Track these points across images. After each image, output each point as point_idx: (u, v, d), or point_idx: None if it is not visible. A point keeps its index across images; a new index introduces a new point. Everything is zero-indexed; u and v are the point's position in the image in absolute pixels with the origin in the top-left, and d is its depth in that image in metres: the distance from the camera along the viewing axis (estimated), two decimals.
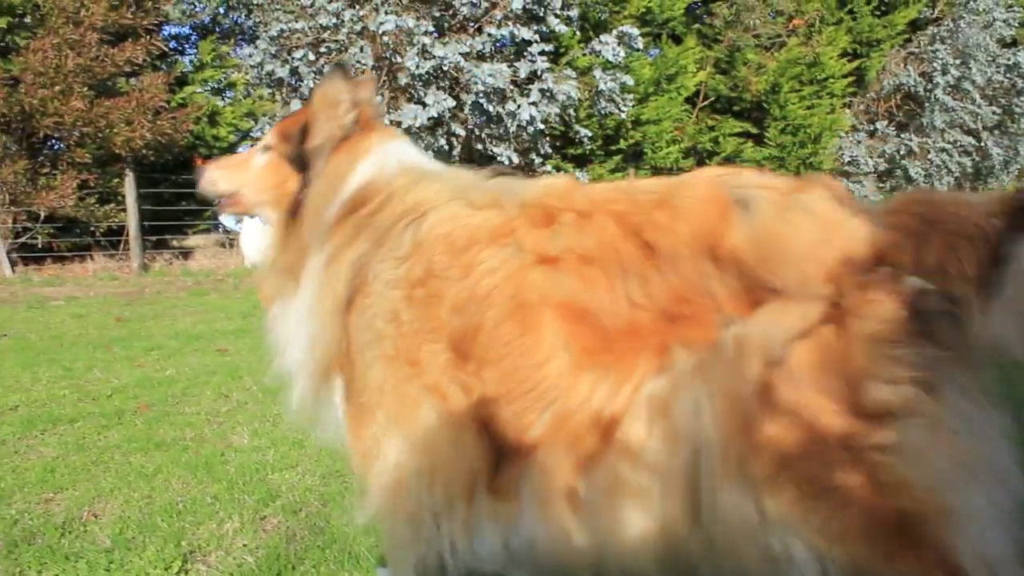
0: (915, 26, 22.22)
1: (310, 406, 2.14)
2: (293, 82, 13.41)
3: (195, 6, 14.52)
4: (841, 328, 1.54)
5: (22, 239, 11.80)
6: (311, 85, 13.11)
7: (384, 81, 13.50)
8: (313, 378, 2.07)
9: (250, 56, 13.68)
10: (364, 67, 12.93)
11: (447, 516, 1.87)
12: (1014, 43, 23.14)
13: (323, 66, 13.06)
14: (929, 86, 21.20)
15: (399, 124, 12.88)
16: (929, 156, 21.55)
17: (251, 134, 14.45)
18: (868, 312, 1.52)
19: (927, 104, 21.46)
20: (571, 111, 14.55)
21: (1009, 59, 22.47)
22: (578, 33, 15.63)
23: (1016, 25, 22.69)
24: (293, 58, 12.97)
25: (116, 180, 12.22)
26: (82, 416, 3.90)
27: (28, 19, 11.25)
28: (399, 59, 12.95)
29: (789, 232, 1.63)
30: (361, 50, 12.72)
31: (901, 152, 21.15)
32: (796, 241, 1.62)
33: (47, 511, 2.71)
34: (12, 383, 4.68)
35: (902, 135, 21.34)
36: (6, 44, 11.31)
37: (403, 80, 13.04)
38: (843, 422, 1.49)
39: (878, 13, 20.70)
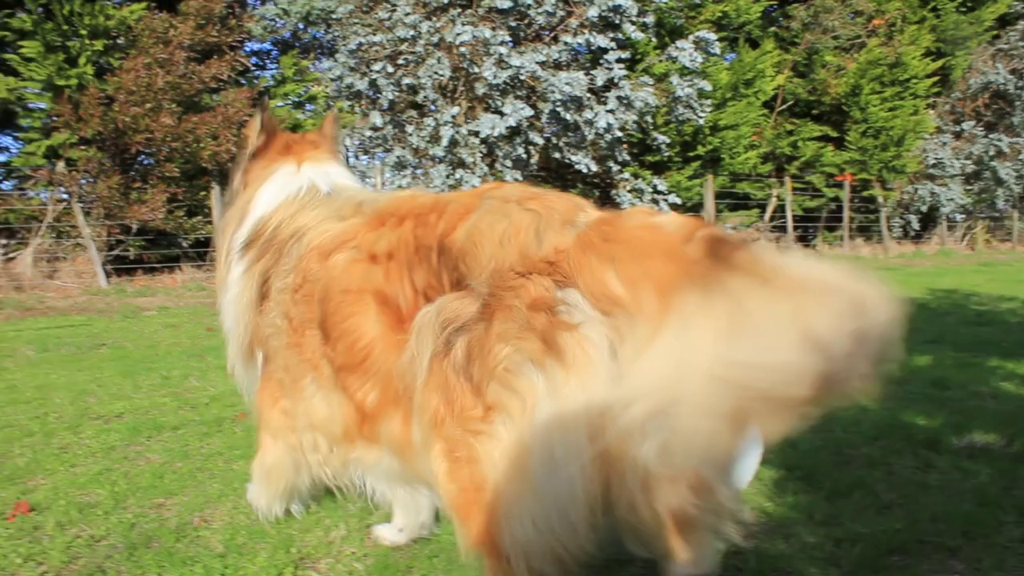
0: (1004, 21, 21.51)
1: (239, 371, 2.74)
2: (371, 94, 13.62)
3: (276, 22, 14.87)
4: (484, 325, 1.83)
5: (115, 251, 12.20)
6: (390, 97, 13.30)
7: (462, 92, 13.61)
8: (240, 351, 2.67)
9: (329, 70, 13.95)
10: (442, 77, 13.06)
11: (326, 456, 2.43)
12: None
13: (401, 77, 13.23)
14: (1020, 83, 20.51)
15: (477, 134, 12.97)
16: (1021, 156, 20.84)
17: None
18: (502, 316, 1.79)
19: (1018, 102, 20.78)
20: (648, 118, 14.47)
21: None
22: (654, 39, 15.54)
23: None
24: (371, 70, 13.16)
25: (203, 193, 12.56)
26: (184, 423, 4.01)
27: (122, 40, 11.65)
28: (476, 69, 13.03)
29: (485, 234, 1.94)
30: (438, 61, 12.84)
31: (990, 153, 20.51)
32: (487, 242, 1.92)
33: (160, 516, 2.78)
34: (115, 391, 4.84)
35: (991, 135, 20.69)
36: (101, 65, 11.73)
37: (480, 90, 13.12)
38: (470, 405, 1.82)
39: (964, 9, 20.07)
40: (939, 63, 19.98)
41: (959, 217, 22.23)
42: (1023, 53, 20.67)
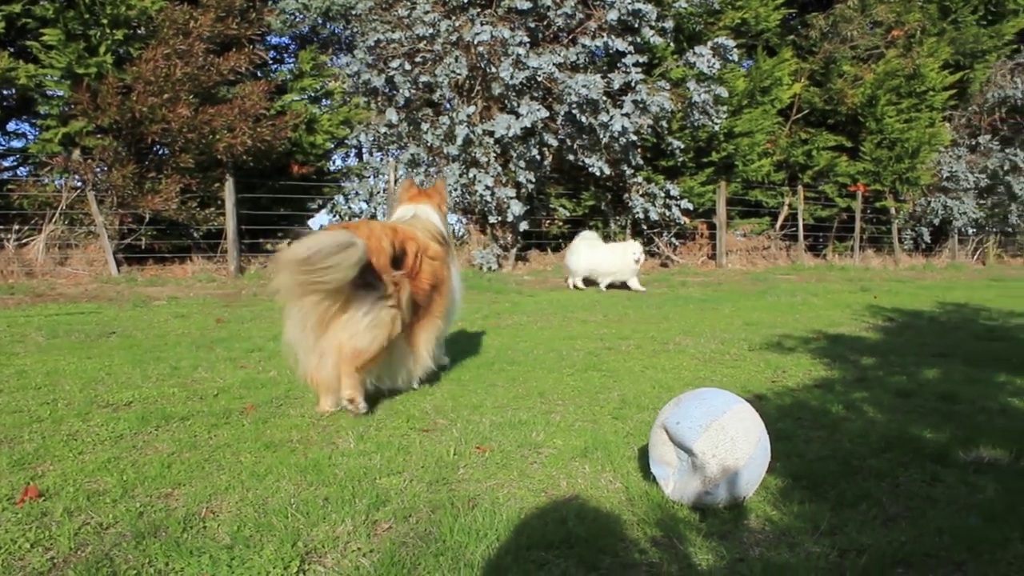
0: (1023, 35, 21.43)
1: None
2: (388, 91, 13.66)
3: (296, 17, 14.91)
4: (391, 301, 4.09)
5: (127, 240, 12.24)
6: (406, 94, 13.32)
7: (478, 91, 13.63)
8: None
9: (347, 65, 13.99)
10: (459, 76, 13.07)
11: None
12: None
13: (418, 75, 13.25)
14: None
15: (491, 134, 12.98)
16: None
17: (346, 141, 14.72)
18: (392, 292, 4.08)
19: None
20: (663, 122, 14.48)
21: None
22: (672, 44, 15.54)
23: None
24: (389, 68, 13.20)
25: (216, 185, 12.59)
26: (192, 414, 4.02)
27: (142, 30, 11.69)
28: (493, 69, 13.06)
29: (382, 247, 4.07)
30: (456, 60, 12.86)
31: (1005, 167, 20.43)
32: (381, 253, 4.05)
33: (167, 506, 2.79)
34: (125, 380, 4.86)
35: (1007, 150, 20.61)
36: (120, 54, 11.77)
37: (497, 90, 13.14)
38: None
39: (984, 22, 20.00)
40: (957, 76, 19.91)
41: (971, 231, 22.16)
42: None
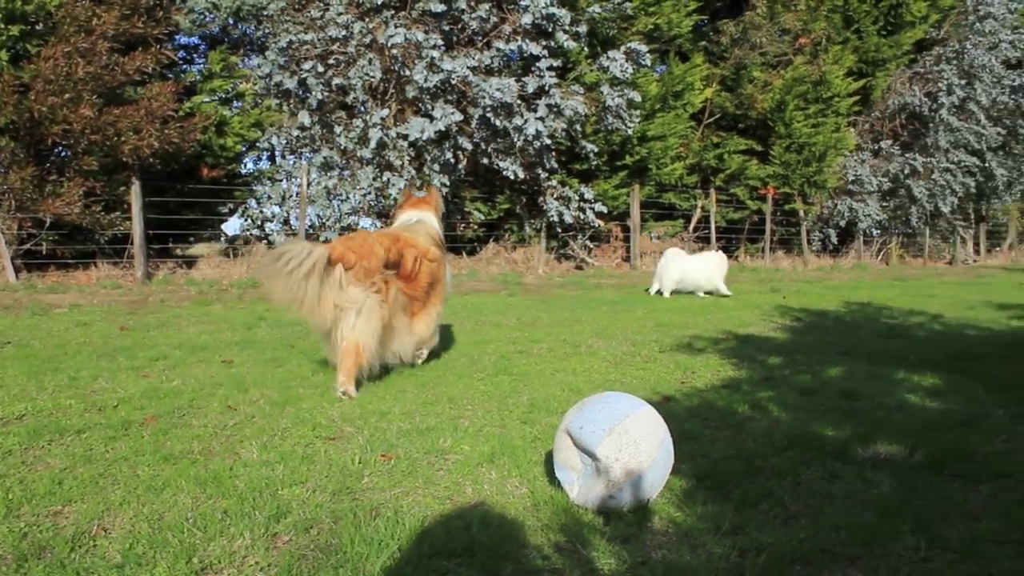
0: (921, 46, 22.28)
1: None
2: (301, 93, 13.46)
3: (206, 16, 14.57)
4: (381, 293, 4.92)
5: (27, 245, 11.80)
6: (319, 96, 13.14)
7: (392, 94, 13.53)
8: None
9: (259, 67, 13.74)
10: (372, 78, 12.96)
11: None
12: (1019, 64, 23.24)
13: (331, 77, 13.09)
14: (934, 106, 21.28)
15: (406, 137, 12.90)
16: (933, 176, 21.60)
17: (258, 144, 14.47)
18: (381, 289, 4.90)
19: (932, 124, 21.54)
20: (577, 126, 14.59)
21: (1014, 80, 22.62)
22: (586, 49, 15.67)
23: (1022, 47, 22.75)
24: (302, 69, 13.01)
25: (122, 188, 12.21)
26: (89, 427, 3.88)
27: (40, 27, 11.26)
28: (407, 72, 12.99)
29: (373, 252, 4.87)
30: (369, 62, 12.75)
31: (905, 171, 21.20)
32: (373, 257, 4.85)
33: (56, 524, 2.68)
34: (17, 392, 4.66)
35: (907, 154, 21.39)
36: (17, 51, 11.33)
37: (411, 93, 13.08)
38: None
39: (884, 33, 20.73)
40: (860, 83, 20.56)
41: (875, 232, 22.92)
42: (937, 77, 21.39)
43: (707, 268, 12.28)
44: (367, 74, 12.82)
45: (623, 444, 2.78)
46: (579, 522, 2.75)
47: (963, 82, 21.26)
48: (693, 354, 6.34)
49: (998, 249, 28.03)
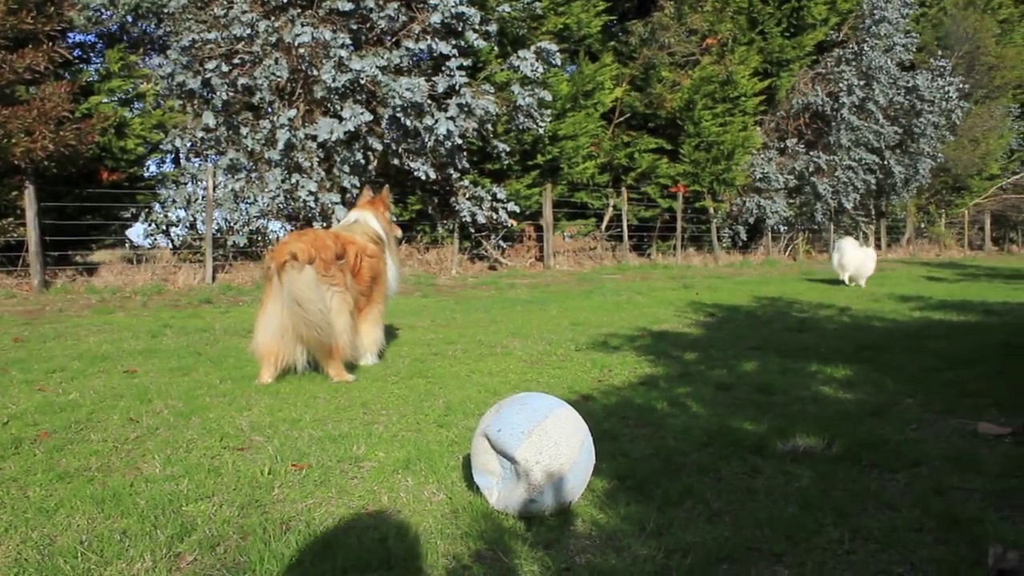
0: (822, 48, 22.93)
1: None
2: (204, 93, 13.08)
3: (101, 13, 14.05)
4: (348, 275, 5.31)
5: None
6: (224, 97, 12.79)
7: (299, 94, 13.26)
8: None
9: (160, 67, 13.29)
10: (279, 78, 12.67)
11: None
12: (912, 67, 24.17)
13: (236, 77, 12.75)
14: (836, 105, 21.91)
15: (314, 138, 12.65)
16: (836, 173, 22.22)
17: (161, 146, 14.02)
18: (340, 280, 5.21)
19: (834, 123, 22.18)
20: (489, 126, 14.52)
21: (908, 81, 23.46)
22: (496, 48, 15.62)
23: (914, 50, 23.69)
24: (205, 69, 12.63)
25: (15, 193, 11.66)
26: None
27: None
28: (315, 72, 12.74)
29: (327, 245, 5.16)
30: (276, 62, 12.45)
31: (810, 169, 21.75)
32: (327, 250, 5.12)
33: None
34: None
35: (811, 152, 21.96)
36: None
37: (319, 93, 12.83)
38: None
39: (788, 34, 21.25)
40: (766, 83, 21.03)
41: (782, 229, 23.49)
42: (838, 77, 22.03)
43: (871, 260, 13.86)
44: (274, 74, 12.52)
45: (543, 446, 2.71)
46: (500, 528, 2.66)
47: (862, 83, 21.94)
48: (609, 352, 6.33)
49: (897, 244, 28.98)
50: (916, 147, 24.38)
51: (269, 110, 13.35)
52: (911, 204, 28.31)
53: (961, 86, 24.71)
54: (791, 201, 22.43)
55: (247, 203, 13.50)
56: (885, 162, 23.59)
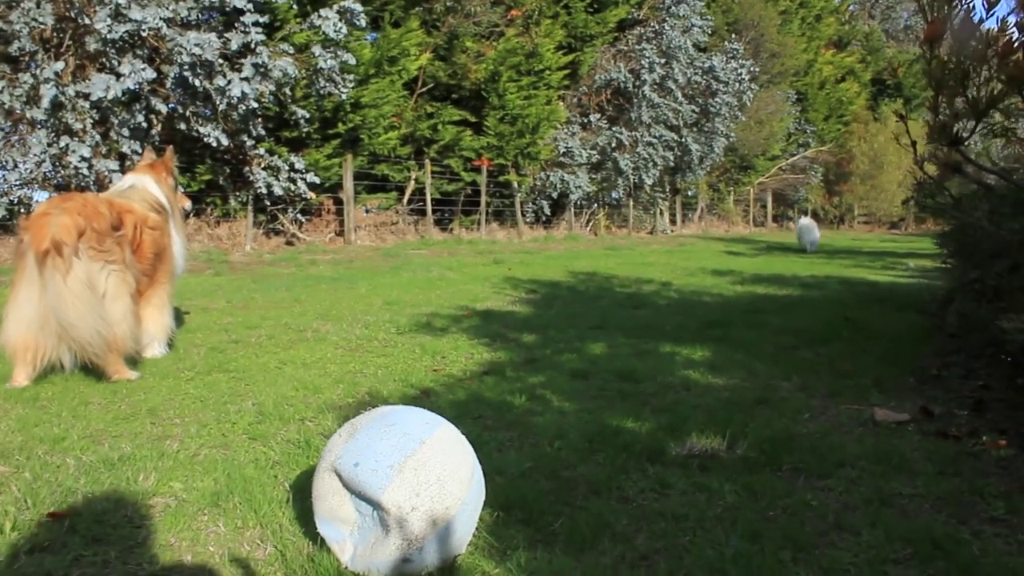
0: (623, 26, 23.21)
1: None
2: None
3: None
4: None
5: None
6: None
7: (69, 46, 11.72)
8: None
9: None
10: (43, 26, 11.12)
11: None
12: (707, 48, 25.05)
13: None
14: (637, 82, 22.24)
15: (87, 96, 11.23)
16: (637, 149, 22.56)
17: None
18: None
19: (635, 100, 22.52)
20: (287, 90, 13.48)
21: (704, 62, 24.19)
22: (295, 7, 14.55)
23: (709, 32, 24.45)
24: None
25: None
26: None
27: None
28: (87, 20, 11.25)
29: (100, 213, 4.17)
30: (38, 6, 10.90)
31: (612, 145, 21.95)
32: (101, 217, 4.16)
33: None
34: None
35: (613, 128, 22.17)
36: None
37: (93, 46, 11.37)
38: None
39: (591, 10, 21.37)
40: (570, 57, 20.99)
41: (584, 204, 23.66)
42: (639, 55, 22.34)
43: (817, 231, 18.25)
44: (36, 20, 10.96)
45: (421, 484, 1.98)
46: None
47: (662, 61, 22.37)
48: (436, 335, 5.71)
49: (690, 220, 30.03)
50: (711, 126, 25.21)
51: (32, 63, 11.73)
52: (703, 182, 29.33)
53: (752, 68, 25.77)
54: (593, 176, 22.58)
55: (5, 169, 11.86)
56: (683, 139, 24.22)
